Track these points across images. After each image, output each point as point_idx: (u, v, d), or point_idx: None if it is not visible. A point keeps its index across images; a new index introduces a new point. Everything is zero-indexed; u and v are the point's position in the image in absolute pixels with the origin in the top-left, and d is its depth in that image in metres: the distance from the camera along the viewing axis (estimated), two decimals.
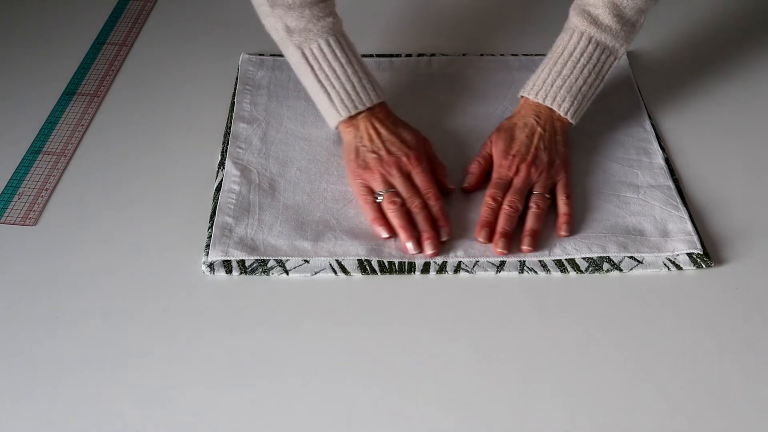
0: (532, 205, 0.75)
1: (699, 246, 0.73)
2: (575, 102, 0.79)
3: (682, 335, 0.67)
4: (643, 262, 0.72)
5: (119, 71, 0.96)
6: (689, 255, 0.73)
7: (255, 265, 0.72)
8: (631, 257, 0.73)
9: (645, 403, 0.62)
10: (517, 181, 0.76)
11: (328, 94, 0.79)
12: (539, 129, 0.79)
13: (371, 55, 0.97)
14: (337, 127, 0.81)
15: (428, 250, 0.72)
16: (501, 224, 0.73)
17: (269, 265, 0.72)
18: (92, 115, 0.90)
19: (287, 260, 0.72)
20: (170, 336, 0.67)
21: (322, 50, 0.78)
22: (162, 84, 0.94)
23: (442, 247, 0.73)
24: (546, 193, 0.76)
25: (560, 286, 0.71)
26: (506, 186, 0.76)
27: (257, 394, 0.62)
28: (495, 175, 0.78)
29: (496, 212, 0.75)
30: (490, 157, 0.80)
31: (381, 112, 0.80)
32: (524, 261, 0.72)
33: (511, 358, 0.65)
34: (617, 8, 0.79)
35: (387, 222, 0.74)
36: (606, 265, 0.72)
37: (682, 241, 0.73)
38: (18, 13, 1.07)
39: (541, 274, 0.72)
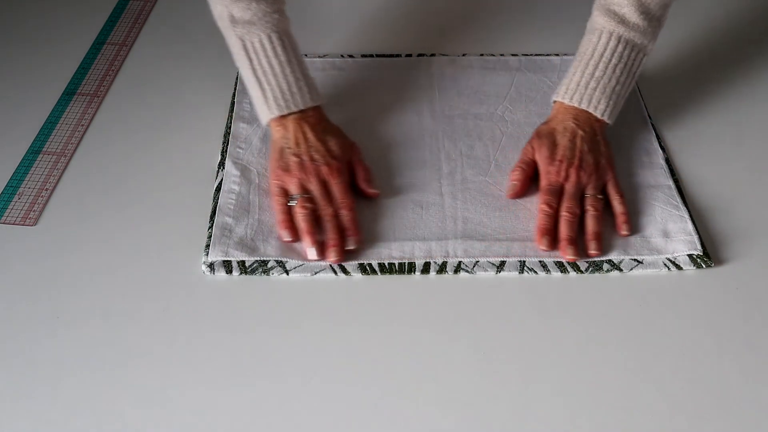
0: (589, 208, 0.75)
1: (699, 246, 0.73)
2: (611, 103, 0.80)
3: (682, 335, 0.67)
4: (643, 262, 0.72)
5: (119, 71, 0.96)
6: (689, 255, 0.73)
7: (255, 265, 0.72)
8: (631, 258, 0.73)
9: (645, 403, 0.62)
10: (569, 187, 0.76)
11: (263, 90, 0.79)
12: (580, 132, 0.79)
13: (371, 55, 0.97)
14: (268, 125, 0.81)
15: (331, 256, 0.72)
16: (565, 231, 0.73)
17: (269, 265, 0.72)
18: (92, 115, 0.90)
19: (287, 260, 0.72)
20: (170, 336, 0.67)
21: (263, 45, 0.79)
22: (162, 84, 0.95)
23: (443, 247, 0.73)
24: (598, 193, 0.77)
25: (560, 286, 0.71)
26: (558, 191, 0.76)
27: (257, 394, 0.63)
28: (545, 182, 0.77)
29: (553, 219, 0.74)
30: (533, 162, 0.79)
31: (313, 117, 0.80)
32: (524, 261, 0.72)
33: (511, 358, 0.65)
34: (642, 5, 0.79)
35: (293, 226, 0.74)
36: (606, 265, 0.72)
37: (683, 242, 0.73)
38: (18, 13, 1.07)
39: (541, 274, 0.72)
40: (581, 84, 0.80)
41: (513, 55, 0.97)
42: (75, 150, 0.85)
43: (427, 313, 0.69)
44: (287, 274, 0.72)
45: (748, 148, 0.85)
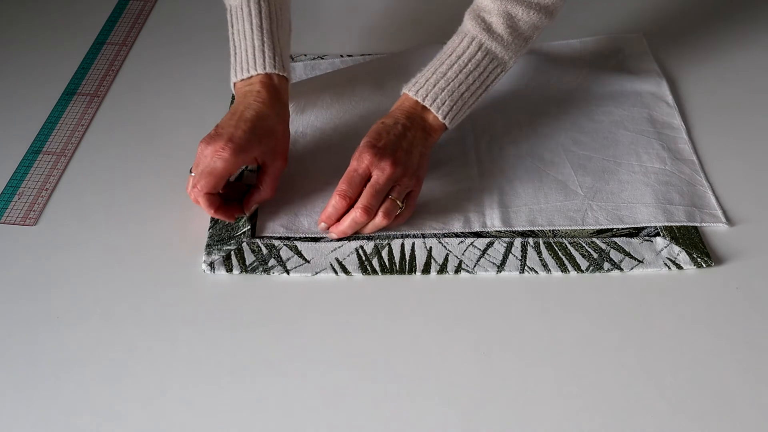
0: (381, 212, 0.72)
1: (723, 219, 0.75)
2: (454, 107, 0.76)
3: (682, 335, 0.67)
4: (644, 261, 0.72)
5: (119, 71, 0.96)
6: (689, 255, 0.73)
7: (255, 263, 0.72)
8: (631, 257, 0.73)
9: (645, 402, 0.62)
10: (381, 180, 0.71)
11: (234, 54, 0.79)
12: (411, 132, 0.75)
13: (371, 56, 0.97)
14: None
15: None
16: (347, 229, 0.72)
17: (270, 265, 0.72)
18: (92, 115, 0.90)
19: (288, 259, 0.72)
20: (170, 336, 0.67)
21: (242, 8, 0.79)
22: (162, 84, 0.95)
23: (480, 219, 0.76)
24: (399, 200, 0.73)
25: (560, 286, 0.71)
26: (361, 182, 0.72)
27: (257, 394, 0.63)
28: (352, 166, 0.72)
29: (343, 213, 0.72)
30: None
31: (253, 93, 0.76)
32: (525, 261, 0.72)
33: (512, 358, 0.65)
34: (512, 19, 0.77)
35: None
36: (606, 265, 0.72)
37: (709, 215, 0.76)
38: (18, 13, 1.07)
39: (542, 273, 0.72)
40: (430, 81, 0.76)
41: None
42: (75, 150, 0.85)
43: (428, 313, 0.69)
44: (287, 273, 0.72)
45: (749, 148, 0.85)
